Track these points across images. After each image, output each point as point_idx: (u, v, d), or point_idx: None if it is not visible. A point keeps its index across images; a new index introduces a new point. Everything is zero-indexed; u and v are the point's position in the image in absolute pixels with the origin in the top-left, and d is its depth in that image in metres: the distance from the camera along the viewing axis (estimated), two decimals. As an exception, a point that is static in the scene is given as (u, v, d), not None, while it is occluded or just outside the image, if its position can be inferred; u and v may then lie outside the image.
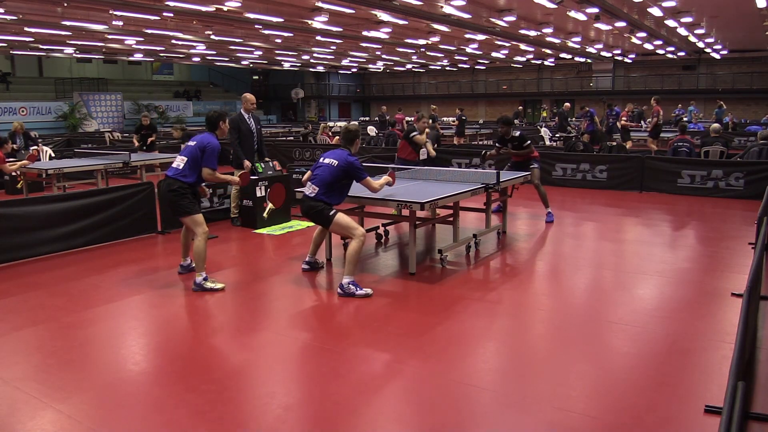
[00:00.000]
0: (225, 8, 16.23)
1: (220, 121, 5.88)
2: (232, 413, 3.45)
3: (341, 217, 5.56)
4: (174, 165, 5.73)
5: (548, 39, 23.41)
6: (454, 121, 20.96)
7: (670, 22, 19.23)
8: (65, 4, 15.73)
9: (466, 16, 17.78)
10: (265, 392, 3.78)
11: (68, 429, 3.28)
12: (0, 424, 3.32)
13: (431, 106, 20.33)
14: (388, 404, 3.66)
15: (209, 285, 5.60)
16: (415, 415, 3.46)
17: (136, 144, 13.53)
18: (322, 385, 3.80)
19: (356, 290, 5.38)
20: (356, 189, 5.82)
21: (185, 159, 5.66)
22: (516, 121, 24.79)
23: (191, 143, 5.74)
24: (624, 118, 16.67)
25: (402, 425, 3.39)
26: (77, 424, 3.32)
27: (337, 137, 18.60)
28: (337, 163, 5.56)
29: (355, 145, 5.81)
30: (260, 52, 27.96)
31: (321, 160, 5.73)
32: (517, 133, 8.82)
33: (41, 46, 24.40)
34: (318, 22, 18.28)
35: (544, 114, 22.92)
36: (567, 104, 21.90)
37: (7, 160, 9.35)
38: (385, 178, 5.93)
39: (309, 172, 5.83)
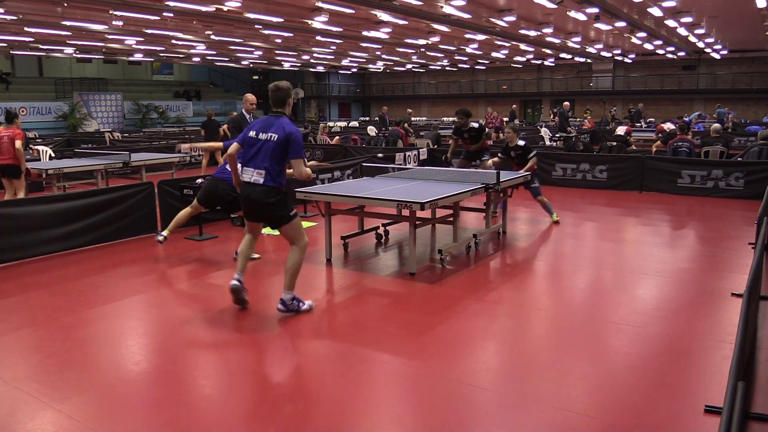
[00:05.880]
0: (225, 8, 16.23)
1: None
2: (232, 413, 3.45)
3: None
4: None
5: (548, 39, 23.41)
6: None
7: (670, 22, 19.23)
8: (65, 4, 15.73)
9: (466, 16, 17.78)
10: (265, 392, 3.79)
11: (68, 429, 3.28)
12: (0, 424, 3.32)
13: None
14: (388, 404, 3.66)
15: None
16: (415, 415, 3.46)
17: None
18: (322, 385, 3.80)
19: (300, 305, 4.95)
20: (355, 189, 5.79)
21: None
22: (516, 122, 24.77)
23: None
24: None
25: (402, 425, 3.39)
26: (77, 424, 3.32)
27: (337, 137, 18.65)
28: (277, 137, 4.60)
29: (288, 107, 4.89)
30: (260, 52, 27.96)
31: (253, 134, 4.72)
32: (476, 125, 9.33)
33: (41, 46, 24.41)
34: (318, 22, 18.28)
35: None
36: (566, 103, 21.85)
37: None
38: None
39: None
